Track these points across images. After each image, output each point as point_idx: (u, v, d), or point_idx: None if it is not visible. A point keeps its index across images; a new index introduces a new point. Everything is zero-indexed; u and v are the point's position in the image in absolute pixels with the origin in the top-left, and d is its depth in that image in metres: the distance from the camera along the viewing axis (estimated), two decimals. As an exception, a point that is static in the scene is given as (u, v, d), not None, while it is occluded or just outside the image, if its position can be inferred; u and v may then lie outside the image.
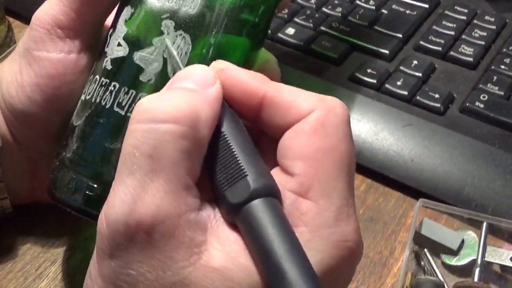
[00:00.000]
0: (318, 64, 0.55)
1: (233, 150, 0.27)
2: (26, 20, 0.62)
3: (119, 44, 0.32)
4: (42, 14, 0.36)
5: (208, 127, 0.27)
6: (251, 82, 0.28)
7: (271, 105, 0.28)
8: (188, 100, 0.27)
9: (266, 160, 0.28)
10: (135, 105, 0.28)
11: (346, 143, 0.28)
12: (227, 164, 0.27)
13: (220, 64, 0.29)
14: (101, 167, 0.31)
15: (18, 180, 0.40)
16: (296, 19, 0.59)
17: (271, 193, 0.26)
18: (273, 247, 0.24)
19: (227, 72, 0.29)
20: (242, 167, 0.26)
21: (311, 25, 0.58)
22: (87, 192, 0.32)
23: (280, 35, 0.57)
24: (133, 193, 0.25)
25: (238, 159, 0.27)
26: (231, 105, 0.29)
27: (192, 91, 0.27)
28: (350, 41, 0.56)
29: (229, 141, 0.27)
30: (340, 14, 0.59)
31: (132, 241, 0.25)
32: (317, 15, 0.59)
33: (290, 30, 0.57)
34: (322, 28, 0.58)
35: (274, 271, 0.24)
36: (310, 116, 0.27)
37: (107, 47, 0.33)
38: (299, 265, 0.24)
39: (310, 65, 0.54)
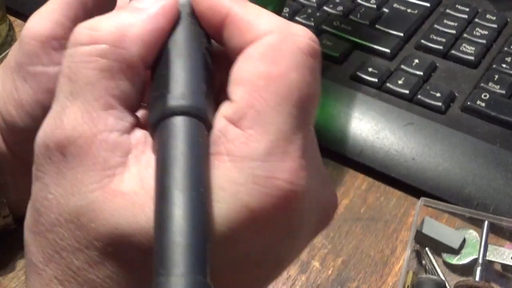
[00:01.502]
0: (319, 63, 0.55)
1: (170, 66, 0.25)
2: (27, 19, 0.62)
3: None
4: (35, 27, 0.35)
5: (139, 43, 0.25)
6: None
7: (232, 23, 0.26)
8: (118, 19, 0.25)
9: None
10: None
11: (299, 73, 0.24)
12: (161, 81, 0.25)
13: None
14: None
15: (21, 195, 0.39)
16: (297, 18, 0.59)
17: (192, 113, 0.23)
18: (166, 168, 0.22)
19: None
20: (170, 84, 0.24)
21: (312, 23, 0.58)
22: None
23: (281, 34, 0.57)
24: (55, 116, 0.24)
25: (170, 75, 0.24)
26: (201, 20, 0.27)
27: (132, 10, 0.26)
28: (351, 40, 0.56)
29: (170, 57, 0.25)
30: (341, 13, 0.59)
31: (50, 163, 0.24)
32: (318, 14, 0.59)
33: (291, 29, 0.57)
34: (324, 27, 0.58)
35: (160, 196, 0.21)
36: (264, 39, 0.25)
37: None
38: (185, 190, 0.21)
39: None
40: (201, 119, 0.23)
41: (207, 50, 0.26)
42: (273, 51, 0.24)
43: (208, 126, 0.24)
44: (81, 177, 0.23)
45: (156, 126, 0.24)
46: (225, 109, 0.24)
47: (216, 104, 0.25)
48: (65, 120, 0.24)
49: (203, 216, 0.21)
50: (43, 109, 0.35)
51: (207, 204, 0.22)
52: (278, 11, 0.32)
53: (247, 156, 0.23)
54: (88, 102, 0.24)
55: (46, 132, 0.24)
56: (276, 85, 0.24)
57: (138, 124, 0.25)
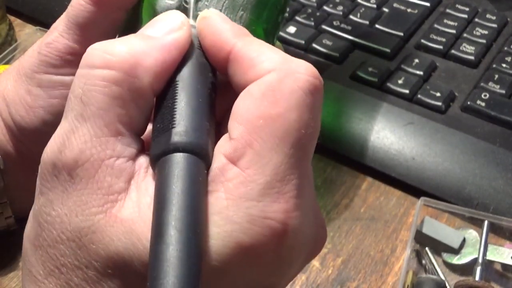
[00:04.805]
0: (319, 62, 0.55)
1: (176, 99, 0.25)
2: (27, 18, 0.62)
3: None
4: (54, 42, 0.36)
5: (151, 74, 0.25)
6: (223, 32, 0.27)
7: (235, 60, 0.26)
8: (132, 46, 0.25)
9: None
10: None
11: (298, 112, 0.24)
12: (166, 113, 0.25)
13: (206, 13, 0.28)
14: None
15: (25, 196, 0.39)
16: (297, 18, 0.59)
17: (194, 151, 0.24)
18: (165, 205, 0.22)
19: (206, 21, 0.27)
20: (174, 118, 0.25)
21: (312, 23, 0.58)
22: None
23: (281, 33, 0.57)
24: (63, 135, 0.25)
25: (175, 109, 0.25)
26: (207, 55, 0.27)
27: (145, 38, 0.26)
28: (351, 40, 0.56)
29: (177, 90, 0.25)
30: (341, 13, 0.59)
31: (56, 181, 0.25)
32: (318, 14, 0.59)
33: (292, 29, 0.57)
34: (323, 26, 0.58)
35: (156, 232, 0.22)
36: (265, 77, 0.25)
37: None
38: (183, 234, 0.22)
39: (311, 64, 0.54)
40: (202, 157, 0.24)
41: (212, 84, 0.27)
42: (273, 91, 0.25)
43: (208, 164, 0.25)
44: (85, 199, 0.24)
45: (158, 159, 0.24)
46: (224, 146, 0.25)
47: (217, 137, 0.26)
48: (74, 141, 0.25)
49: (198, 259, 0.22)
50: (55, 114, 0.36)
51: (202, 245, 0.23)
52: (272, 30, 0.32)
53: (244, 196, 0.24)
54: (98, 127, 0.25)
55: (54, 150, 0.25)
56: (274, 126, 0.24)
57: (143, 148, 0.26)
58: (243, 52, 0.26)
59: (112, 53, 0.25)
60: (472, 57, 0.54)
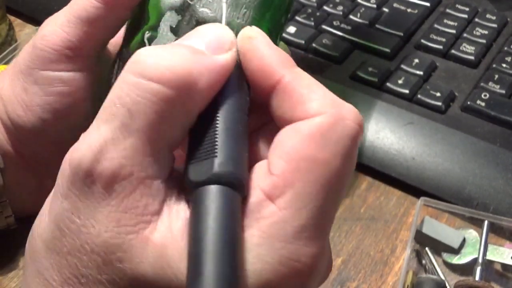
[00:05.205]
0: (319, 62, 0.55)
1: (217, 126, 0.25)
2: (27, 18, 0.62)
3: None
4: (50, 35, 0.35)
5: (203, 97, 0.25)
6: (272, 61, 0.26)
7: (283, 92, 0.26)
8: (187, 63, 0.24)
9: (264, 149, 0.26)
10: None
11: (342, 160, 0.25)
12: (205, 138, 0.24)
13: (250, 31, 0.27)
14: None
15: (24, 195, 0.40)
16: (297, 18, 0.59)
17: (233, 184, 0.24)
18: (202, 239, 0.22)
19: (252, 42, 0.26)
20: (216, 147, 0.24)
21: (312, 23, 0.58)
22: None
23: (281, 33, 0.57)
24: (102, 143, 0.24)
25: (216, 136, 0.24)
26: (246, 78, 0.26)
27: (197, 53, 0.25)
28: (351, 40, 0.56)
29: (218, 115, 0.25)
30: (341, 13, 0.59)
31: (88, 190, 0.24)
32: (318, 14, 0.59)
33: (291, 29, 0.57)
34: (323, 26, 0.58)
35: (194, 265, 0.22)
36: (314, 119, 0.25)
37: None
38: (220, 269, 0.22)
39: (311, 64, 0.54)
40: (241, 190, 0.24)
41: (248, 108, 0.26)
42: (322, 135, 0.24)
43: (244, 195, 0.24)
44: (118, 216, 0.24)
45: (196, 187, 0.24)
46: (263, 180, 0.25)
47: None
48: (114, 153, 0.24)
49: None
50: (53, 111, 0.35)
51: (240, 281, 0.23)
52: (275, 30, 0.32)
53: (277, 237, 0.24)
54: (142, 143, 0.24)
55: (89, 156, 0.24)
56: (318, 172, 0.24)
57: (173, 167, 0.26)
58: (293, 87, 0.25)
59: (169, 67, 0.24)
60: (472, 57, 0.54)
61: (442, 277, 0.41)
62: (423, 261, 0.42)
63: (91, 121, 0.25)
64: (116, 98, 0.24)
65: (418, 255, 0.43)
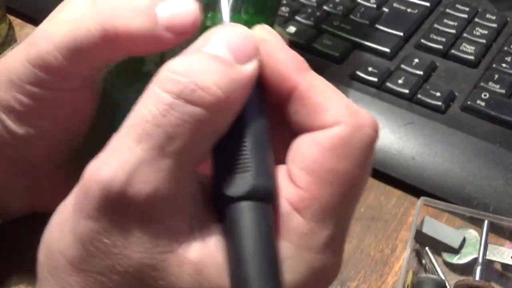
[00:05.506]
0: (319, 62, 0.55)
1: (245, 137, 0.24)
2: (27, 18, 0.62)
3: None
4: (46, 56, 0.31)
5: (233, 112, 0.24)
6: (287, 66, 0.25)
7: (300, 100, 0.25)
8: (222, 82, 0.24)
9: (276, 151, 0.26)
10: None
11: (364, 169, 0.25)
12: (234, 151, 0.24)
13: (263, 33, 0.26)
14: None
15: (16, 198, 0.39)
16: (297, 17, 0.59)
17: (268, 198, 0.24)
18: (246, 258, 0.23)
19: (265, 45, 0.26)
20: (247, 160, 0.24)
21: (312, 23, 0.58)
22: None
23: (281, 33, 0.57)
24: (136, 164, 0.23)
25: (245, 149, 0.24)
26: (265, 84, 0.26)
27: (226, 65, 0.24)
28: (351, 40, 0.56)
29: (245, 127, 0.25)
30: (341, 13, 0.59)
31: (120, 213, 0.23)
32: (318, 14, 0.59)
33: (291, 29, 0.57)
34: (323, 26, 0.58)
35: (241, 285, 0.23)
36: (333, 129, 0.25)
37: None
38: (266, 284, 0.22)
39: (311, 64, 0.54)
40: (272, 202, 0.24)
41: (268, 116, 0.26)
42: (342, 147, 0.25)
43: (274, 207, 0.25)
44: (152, 238, 0.24)
45: (229, 202, 0.24)
46: (288, 192, 0.25)
47: None
48: (149, 176, 0.23)
49: None
50: (48, 120, 0.34)
51: None
52: (271, 21, 0.32)
53: (307, 248, 0.24)
54: (178, 165, 0.23)
55: (121, 178, 0.23)
56: (342, 183, 0.25)
57: None
58: (309, 94, 0.25)
59: (206, 89, 0.23)
60: (472, 57, 0.54)
61: (442, 277, 0.41)
62: (423, 261, 0.42)
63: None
64: (150, 115, 0.23)
65: (418, 255, 0.43)
